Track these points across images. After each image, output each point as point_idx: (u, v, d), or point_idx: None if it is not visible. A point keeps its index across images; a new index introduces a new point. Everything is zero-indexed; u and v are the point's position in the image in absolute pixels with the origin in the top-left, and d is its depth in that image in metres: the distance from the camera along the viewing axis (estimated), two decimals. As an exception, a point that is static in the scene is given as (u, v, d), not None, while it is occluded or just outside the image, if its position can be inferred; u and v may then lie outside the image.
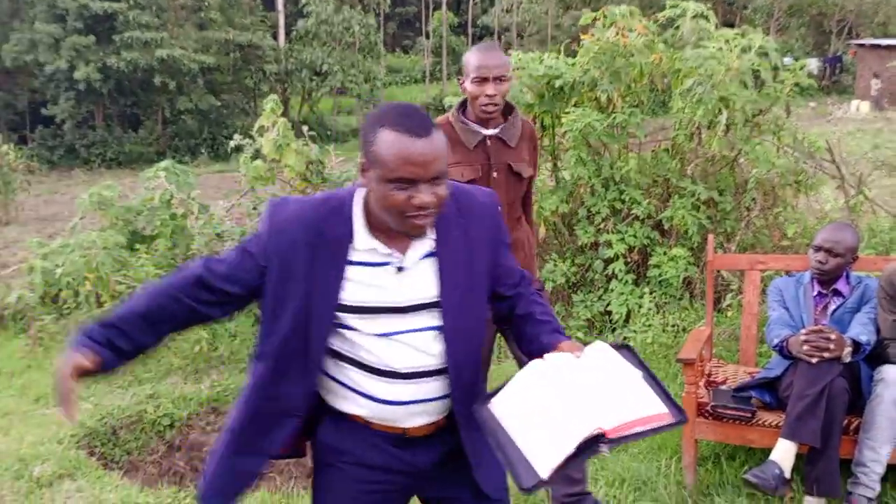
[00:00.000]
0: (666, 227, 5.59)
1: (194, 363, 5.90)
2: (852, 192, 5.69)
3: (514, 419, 1.86)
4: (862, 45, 30.14)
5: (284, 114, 6.90)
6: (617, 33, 5.35)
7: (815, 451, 3.34)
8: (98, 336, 1.92)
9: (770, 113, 5.61)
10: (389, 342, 1.94)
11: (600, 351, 1.92)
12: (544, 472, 1.76)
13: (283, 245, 1.92)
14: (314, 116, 28.69)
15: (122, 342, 1.94)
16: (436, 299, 1.95)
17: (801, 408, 3.32)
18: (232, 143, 6.74)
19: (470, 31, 38.85)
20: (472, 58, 3.21)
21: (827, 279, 3.67)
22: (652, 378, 1.92)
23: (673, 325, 5.12)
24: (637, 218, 5.55)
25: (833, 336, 3.31)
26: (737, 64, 5.20)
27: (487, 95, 3.15)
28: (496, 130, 3.26)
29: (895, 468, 3.44)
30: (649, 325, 5.15)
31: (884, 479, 3.35)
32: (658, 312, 5.29)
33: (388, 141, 1.79)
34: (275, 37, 30.71)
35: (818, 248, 3.65)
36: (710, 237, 4.28)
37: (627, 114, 5.42)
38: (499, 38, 39.36)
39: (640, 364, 1.95)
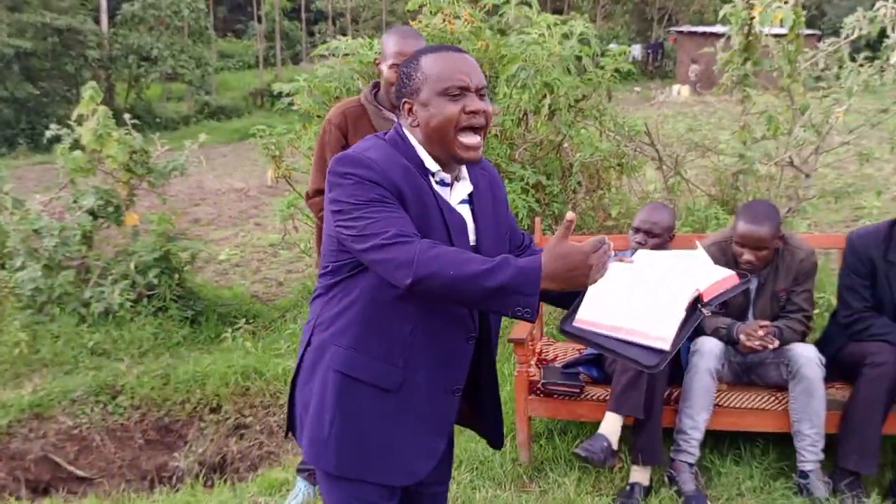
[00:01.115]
0: (498, 210, 5.70)
1: (13, 367, 5.52)
2: (670, 173, 5.99)
3: (610, 317, 1.92)
4: (681, 32, 31.74)
5: (109, 101, 6.58)
6: (444, 20, 5.38)
7: (640, 422, 3.51)
8: None
9: (592, 98, 5.81)
10: None
11: (647, 254, 2.10)
12: (666, 344, 1.86)
13: (396, 176, 1.88)
14: (142, 104, 27.43)
15: None
16: (473, 244, 2.00)
17: (625, 381, 3.47)
18: (48, 134, 6.34)
19: (304, 15, 38.25)
20: (391, 41, 3.15)
21: None
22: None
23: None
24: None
25: None
26: (558, 50, 5.36)
27: None
28: None
29: (713, 433, 3.66)
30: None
31: (702, 444, 3.56)
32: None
33: (435, 60, 1.94)
34: (97, 21, 29.15)
35: (637, 230, 3.81)
36: (538, 220, 4.40)
37: (457, 100, 5.47)
38: (333, 22, 38.96)
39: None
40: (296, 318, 6.08)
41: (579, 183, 5.85)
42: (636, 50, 34.10)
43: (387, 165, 1.87)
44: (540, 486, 3.62)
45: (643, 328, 1.88)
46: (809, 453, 3.52)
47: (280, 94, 5.78)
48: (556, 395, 3.76)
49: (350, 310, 1.96)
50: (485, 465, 3.81)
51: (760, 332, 3.48)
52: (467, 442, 3.97)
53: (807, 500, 3.42)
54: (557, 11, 31.36)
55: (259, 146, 5.89)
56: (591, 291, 1.92)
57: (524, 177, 5.53)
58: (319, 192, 3.26)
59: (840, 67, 5.33)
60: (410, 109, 1.96)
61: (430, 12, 5.54)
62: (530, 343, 3.98)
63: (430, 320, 1.94)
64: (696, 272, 2.00)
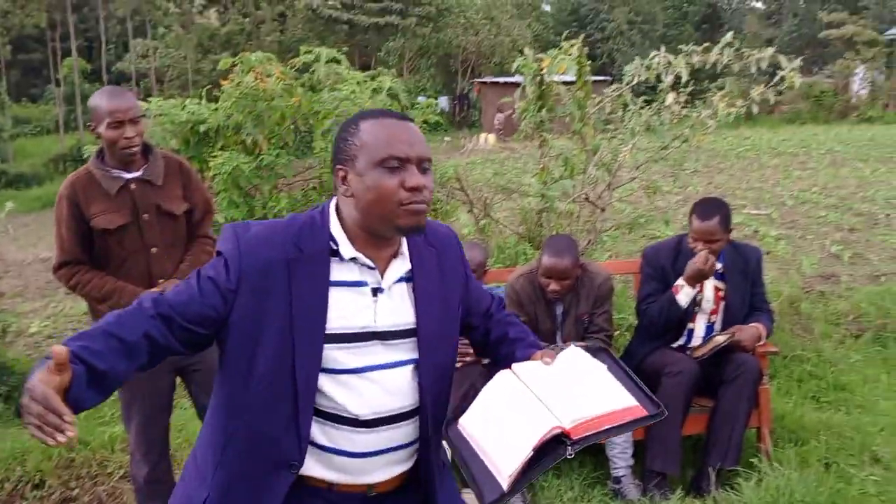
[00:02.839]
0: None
1: None
2: (481, 216, 6.36)
3: (479, 433, 1.78)
4: (484, 83, 33.17)
5: None
6: (255, 78, 5.53)
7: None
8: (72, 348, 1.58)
9: (404, 148, 6.09)
10: (360, 381, 1.78)
11: (572, 355, 1.89)
12: (504, 482, 1.67)
13: (257, 265, 1.74)
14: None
15: (96, 360, 1.60)
16: (412, 326, 1.84)
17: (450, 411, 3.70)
18: None
19: (105, 77, 37.01)
20: (103, 103, 3.17)
21: None
22: (627, 376, 1.87)
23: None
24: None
25: None
26: (369, 104, 5.62)
27: (126, 138, 3.15)
28: (139, 173, 3.25)
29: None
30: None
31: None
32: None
33: (374, 127, 1.76)
34: None
35: None
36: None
37: (274, 155, 5.62)
38: (137, 84, 37.90)
39: (616, 364, 1.91)
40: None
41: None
42: (443, 101, 35.33)
43: (258, 245, 1.76)
44: None
45: (494, 457, 1.72)
46: (620, 460, 3.87)
47: (87, 158, 5.70)
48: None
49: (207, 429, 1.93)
50: None
51: None
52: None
53: (621, 503, 3.76)
54: (365, 67, 32.01)
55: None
56: (483, 395, 1.84)
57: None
58: (63, 264, 3.28)
59: (624, 111, 5.90)
60: (344, 178, 1.78)
61: (242, 71, 5.67)
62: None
63: (252, 450, 1.81)
64: (590, 399, 1.77)
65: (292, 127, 5.95)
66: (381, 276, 1.83)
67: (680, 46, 5.73)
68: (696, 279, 3.94)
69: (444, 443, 1.91)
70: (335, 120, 5.53)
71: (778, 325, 5.53)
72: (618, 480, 3.85)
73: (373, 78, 5.98)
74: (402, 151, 1.73)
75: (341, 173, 1.79)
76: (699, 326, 4.12)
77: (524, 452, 1.66)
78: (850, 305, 6.38)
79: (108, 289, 3.23)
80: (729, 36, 5.69)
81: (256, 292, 1.73)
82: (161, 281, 3.29)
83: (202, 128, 5.56)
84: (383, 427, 1.82)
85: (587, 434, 1.70)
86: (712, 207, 3.98)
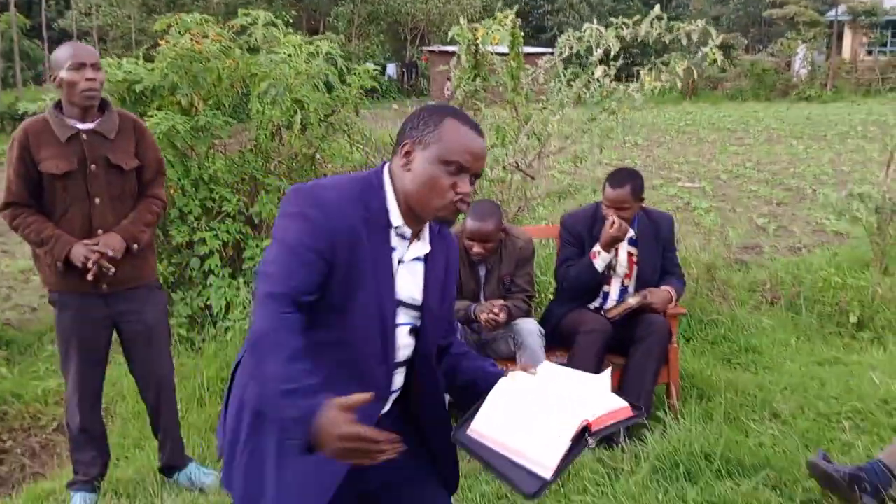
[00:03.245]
0: (256, 221, 5.94)
1: None
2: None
3: (500, 434, 1.92)
4: (433, 52, 33.12)
5: None
6: (192, 40, 5.56)
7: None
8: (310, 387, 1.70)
9: (341, 113, 6.20)
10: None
11: (552, 368, 2.13)
12: (547, 472, 1.84)
13: (343, 224, 1.87)
14: None
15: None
16: (418, 303, 2.03)
17: None
18: None
19: (45, 34, 36.11)
20: (65, 49, 3.33)
21: None
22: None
23: (271, 311, 5.45)
24: (228, 215, 5.83)
25: None
26: (306, 68, 5.70)
27: (88, 79, 3.27)
28: (92, 124, 3.36)
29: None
30: (248, 313, 5.47)
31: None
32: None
33: (456, 128, 1.92)
34: None
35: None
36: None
37: (210, 116, 5.67)
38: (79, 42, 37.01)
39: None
40: (53, 341, 5.97)
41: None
42: (391, 69, 35.17)
43: (340, 208, 1.88)
44: None
45: (529, 452, 1.88)
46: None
47: (25, 115, 5.70)
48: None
49: None
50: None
51: (495, 310, 3.99)
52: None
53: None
54: (314, 31, 31.74)
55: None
56: (489, 401, 1.99)
57: (280, 187, 5.82)
58: (8, 205, 3.38)
59: (556, 82, 6.06)
60: (409, 153, 1.94)
61: (179, 32, 5.70)
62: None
63: (339, 379, 1.89)
64: (592, 400, 1.98)
65: (229, 88, 5.99)
66: (407, 250, 2.01)
67: (611, 19, 5.90)
68: (611, 245, 4.15)
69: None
70: (271, 83, 5.60)
71: (697, 290, 5.80)
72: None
73: (310, 43, 6.04)
74: (468, 162, 1.92)
75: (407, 147, 1.95)
76: (613, 289, 4.34)
77: (564, 443, 1.85)
78: (769, 274, 6.67)
79: (46, 235, 3.33)
80: (657, 9, 5.86)
81: (345, 246, 1.87)
82: (100, 232, 3.38)
83: (138, 87, 5.58)
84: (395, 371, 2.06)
85: (601, 427, 1.90)
86: (624, 177, 4.20)
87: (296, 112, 5.75)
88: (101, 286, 3.42)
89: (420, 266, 2.04)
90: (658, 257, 4.32)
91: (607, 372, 2.13)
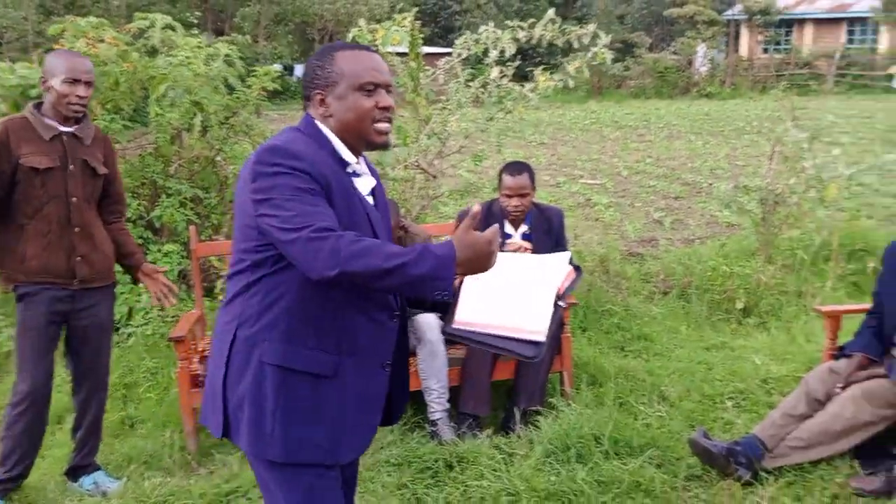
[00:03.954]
0: (157, 225, 5.92)
1: None
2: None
3: (486, 317, 2.14)
4: (342, 52, 32.94)
5: None
6: (87, 44, 5.50)
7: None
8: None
9: (242, 115, 6.22)
10: None
11: (505, 256, 2.22)
12: (541, 336, 2.09)
13: (321, 166, 1.99)
14: None
15: None
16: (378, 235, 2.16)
17: None
18: None
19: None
20: (62, 60, 3.49)
21: None
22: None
23: (173, 316, 5.46)
24: (129, 219, 5.78)
25: None
26: (205, 70, 5.71)
27: (79, 96, 3.45)
28: (72, 129, 3.53)
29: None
30: (150, 319, 5.45)
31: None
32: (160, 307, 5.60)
33: (351, 56, 2.09)
34: None
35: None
36: (193, 228, 4.72)
37: (108, 120, 5.63)
38: (-28, 44, 35.61)
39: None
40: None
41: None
42: (299, 69, 34.87)
43: (314, 157, 1.99)
44: (208, 469, 3.96)
45: (520, 324, 2.10)
46: (437, 404, 4.20)
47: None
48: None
49: (278, 303, 2.02)
50: (154, 458, 4.08)
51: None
52: (137, 440, 4.23)
53: (437, 442, 4.09)
54: (219, 32, 31.21)
55: None
56: (464, 294, 2.17)
57: (181, 191, 5.81)
58: None
59: (455, 83, 6.20)
60: (323, 100, 2.08)
61: (74, 36, 5.63)
62: (192, 341, 4.32)
63: (358, 305, 2.07)
64: (549, 271, 2.23)
65: (128, 92, 5.94)
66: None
67: (506, 22, 6.08)
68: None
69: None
70: (170, 85, 5.59)
71: (592, 283, 6.02)
72: (434, 423, 4.18)
73: (209, 45, 6.05)
74: (377, 78, 2.08)
75: (319, 97, 2.10)
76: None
77: (548, 309, 2.11)
78: (662, 266, 6.95)
79: None
80: (551, 12, 6.06)
81: (331, 183, 2.00)
82: (77, 230, 3.55)
83: (34, 92, 5.49)
84: None
85: (563, 290, 2.19)
86: (520, 166, 4.46)
87: (195, 115, 5.76)
88: (74, 282, 3.58)
89: (371, 201, 2.19)
90: (551, 249, 4.48)
91: (564, 254, 2.34)
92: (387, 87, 2.10)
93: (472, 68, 6.49)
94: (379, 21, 6.44)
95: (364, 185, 2.16)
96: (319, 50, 2.15)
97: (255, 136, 6.25)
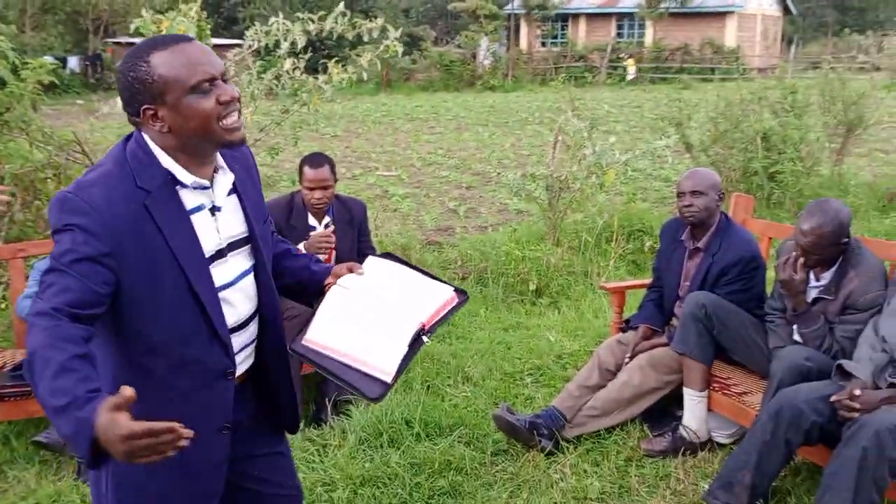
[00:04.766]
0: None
1: None
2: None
3: (337, 342, 1.96)
4: (118, 43, 31.46)
5: None
6: None
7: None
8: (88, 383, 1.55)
9: (17, 110, 5.80)
10: (233, 292, 1.93)
11: (375, 262, 2.17)
12: (388, 377, 1.92)
13: (117, 219, 1.73)
14: None
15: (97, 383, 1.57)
16: (245, 234, 1.98)
17: None
18: None
19: None
20: None
21: None
22: (423, 272, 2.19)
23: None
24: None
25: None
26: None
27: None
28: None
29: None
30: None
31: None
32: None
33: (169, 56, 1.77)
34: None
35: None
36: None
37: None
38: None
39: (408, 264, 2.22)
40: None
41: (13, 195, 5.80)
42: (73, 62, 32.91)
43: (111, 205, 1.73)
44: (1, 487, 3.71)
45: (369, 359, 1.93)
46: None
47: None
48: (7, 399, 3.86)
49: (103, 369, 1.79)
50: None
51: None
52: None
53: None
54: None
55: None
56: (323, 310, 2.01)
57: (-51, 193, 5.35)
58: None
59: (247, 74, 6.09)
60: (155, 115, 1.79)
61: None
62: (-27, 354, 4.02)
63: (175, 371, 1.86)
64: (422, 296, 2.05)
65: None
66: (214, 193, 1.92)
67: (296, 14, 6.04)
68: None
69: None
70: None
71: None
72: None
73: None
74: (206, 73, 1.78)
75: (150, 112, 1.79)
76: None
77: (402, 348, 1.95)
78: (460, 252, 7.19)
79: None
80: (342, 5, 6.09)
81: (130, 240, 1.74)
82: None
83: None
84: (241, 331, 1.99)
85: (434, 323, 2.03)
86: (320, 157, 4.47)
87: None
88: None
89: (234, 199, 1.98)
90: (354, 241, 4.54)
91: (417, 273, 2.19)
92: (222, 77, 1.82)
93: (262, 59, 6.39)
94: (160, 12, 6.19)
95: (220, 187, 1.92)
96: (128, 55, 1.83)
97: (34, 132, 5.86)
